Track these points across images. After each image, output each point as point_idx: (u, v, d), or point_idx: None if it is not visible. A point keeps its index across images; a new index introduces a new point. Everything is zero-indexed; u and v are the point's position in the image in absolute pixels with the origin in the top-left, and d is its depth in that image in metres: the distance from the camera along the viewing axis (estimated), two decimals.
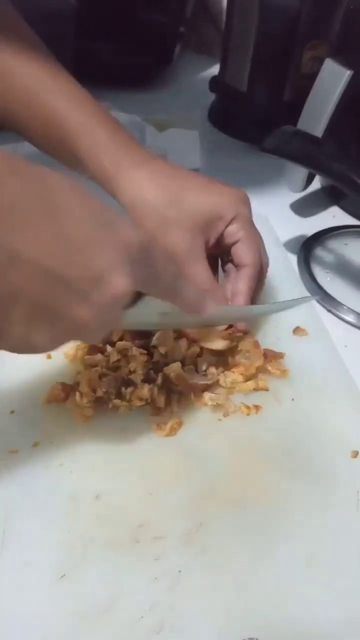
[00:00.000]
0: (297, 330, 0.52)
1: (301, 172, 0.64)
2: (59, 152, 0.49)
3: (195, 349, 0.46)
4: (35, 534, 0.36)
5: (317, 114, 0.59)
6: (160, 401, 0.43)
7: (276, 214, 0.69)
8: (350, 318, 0.56)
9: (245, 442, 0.43)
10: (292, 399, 0.46)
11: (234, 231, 0.46)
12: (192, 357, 0.46)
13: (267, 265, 0.49)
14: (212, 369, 0.46)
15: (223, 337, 0.47)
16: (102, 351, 0.45)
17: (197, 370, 0.46)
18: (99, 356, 0.44)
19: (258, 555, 0.36)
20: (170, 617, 0.33)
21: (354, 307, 0.57)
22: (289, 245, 0.66)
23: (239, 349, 0.47)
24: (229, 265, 0.48)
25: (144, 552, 0.36)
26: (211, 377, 0.46)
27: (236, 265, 0.47)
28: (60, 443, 0.41)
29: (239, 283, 0.46)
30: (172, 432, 0.43)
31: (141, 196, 0.45)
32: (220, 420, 0.44)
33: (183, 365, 0.45)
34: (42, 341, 0.29)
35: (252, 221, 0.47)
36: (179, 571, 0.35)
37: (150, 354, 0.45)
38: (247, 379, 0.46)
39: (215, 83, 0.88)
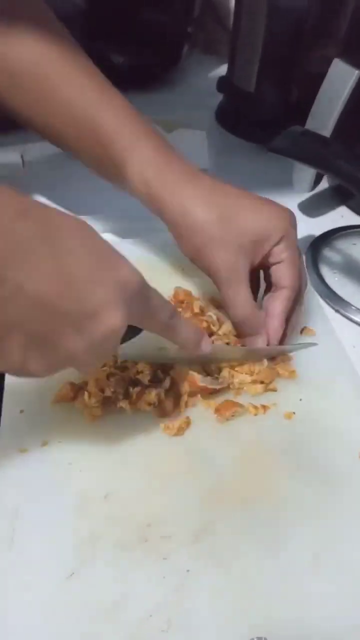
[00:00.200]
0: (305, 330, 0.52)
1: (309, 172, 0.64)
2: (102, 166, 0.49)
3: None
4: (44, 532, 0.36)
5: (326, 114, 0.59)
6: (169, 406, 0.43)
7: None
8: (358, 318, 0.56)
9: (253, 442, 0.43)
10: (300, 399, 0.46)
11: (278, 252, 0.45)
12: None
13: (305, 287, 0.49)
14: (225, 372, 0.46)
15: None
16: None
17: (207, 373, 0.46)
18: None
19: (265, 554, 0.36)
20: (178, 616, 0.33)
21: None
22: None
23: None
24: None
25: (152, 551, 0.36)
26: (222, 381, 0.46)
27: (274, 285, 0.47)
28: (69, 442, 0.41)
29: (276, 304, 0.46)
30: (180, 431, 0.43)
31: (188, 213, 0.44)
32: (228, 420, 0.44)
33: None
34: (38, 368, 0.31)
35: (296, 243, 0.47)
36: (187, 570, 0.35)
37: None
38: (255, 381, 0.46)
39: (223, 83, 0.88)
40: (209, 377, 0.45)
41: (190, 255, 0.46)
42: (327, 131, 0.58)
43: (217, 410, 0.44)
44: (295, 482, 0.40)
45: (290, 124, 0.55)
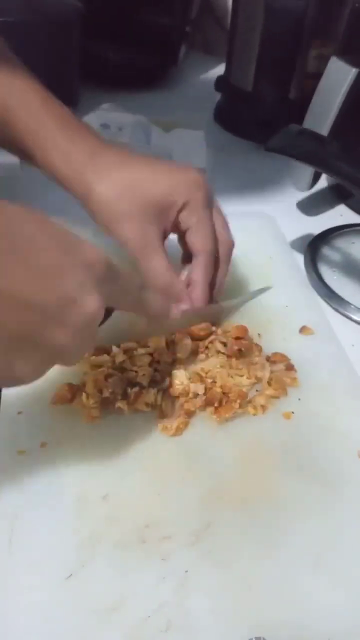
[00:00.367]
0: (303, 329, 0.52)
1: (307, 171, 0.64)
2: (13, 146, 0.48)
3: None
4: (43, 533, 0.36)
5: (323, 113, 0.58)
6: (167, 407, 0.43)
7: (283, 213, 0.69)
8: (357, 317, 0.56)
9: (252, 442, 0.43)
10: (299, 399, 0.46)
11: (185, 218, 0.45)
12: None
13: (229, 247, 0.48)
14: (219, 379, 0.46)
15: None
16: (108, 352, 0.45)
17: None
18: (105, 357, 0.45)
19: (265, 555, 0.36)
20: (177, 616, 0.33)
21: None
22: (296, 244, 0.66)
23: (253, 362, 0.47)
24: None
25: (151, 552, 0.36)
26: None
27: (191, 252, 0.46)
28: (67, 443, 0.41)
29: (193, 273, 0.46)
30: (179, 432, 0.43)
31: (93, 191, 0.44)
32: (227, 420, 0.44)
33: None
34: (25, 372, 0.29)
35: (206, 205, 0.46)
36: (186, 571, 0.35)
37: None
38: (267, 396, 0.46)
39: (220, 83, 0.89)
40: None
41: (104, 230, 0.46)
42: (324, 130, 0.58)
43: (216, 411, 0.44)
44: (295, 482, 0.40)
45: (288, 122, 0.55)
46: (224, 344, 0.47)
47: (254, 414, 0.44)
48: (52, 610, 0.33)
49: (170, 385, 0.44)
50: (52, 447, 0.41)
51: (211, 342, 0.47)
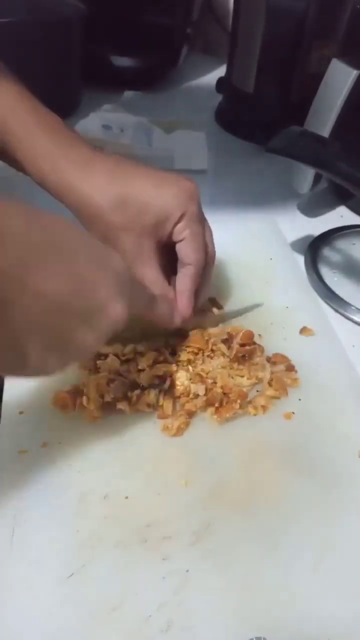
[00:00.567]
0: (304, 330, 0.52)
1: (308, 172, 0.64)
2: (4, 156, 0.47)
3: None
4: (44, 533, 0.36)
5: (324, 114, 0.59)
6: (168, 407, 0.43)
7: (283, 214, 0.70)
8: (357, 318, 0.56)
9: (253, 442, 0.43)
10: (300, 399, 0.46)
11: (179, 230, 0.45)
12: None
13: (212, 258, 0.48)
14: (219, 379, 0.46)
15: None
16: (106, 356, 0.45)
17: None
18: (108, 361, 0.45)
19: (266, 555, 0.36)
20: (178, 616, 0.33)
21: None
22: (296, 245, 0.66)
23: (254, 362, 0.47)
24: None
25: (152, 551, 0.36)
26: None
27: (181, 262, 0.46)
28: (68, 443, 0.41)
29: (182, 282, 0.46)
30: (180, 432, 0.43)
31: (87, 202, 0.44)
32: (227, 420, 0.44)
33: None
34: (55, 366, 0.32)
35: (199, 217, 0.46)
36: (187, 571, 0.35)
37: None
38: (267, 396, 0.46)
39: (222, 84, 0.89)
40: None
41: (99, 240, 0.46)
42: (325, 131, 0.58)
43: (217, 411, 0.44)
44: (295, 482, 0.40)
45: (289, 124, 0.55)
46: (228, 346, 0.47)
47: (255, 415, 0.44)
48: (53, 609, 0.33)
49: (172, 385, 0.44)
50: (53, 446, 0.41)
51: (215, 344, 0.47)
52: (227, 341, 0.48)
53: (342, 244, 0.66)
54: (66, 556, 0.35)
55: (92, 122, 0.76)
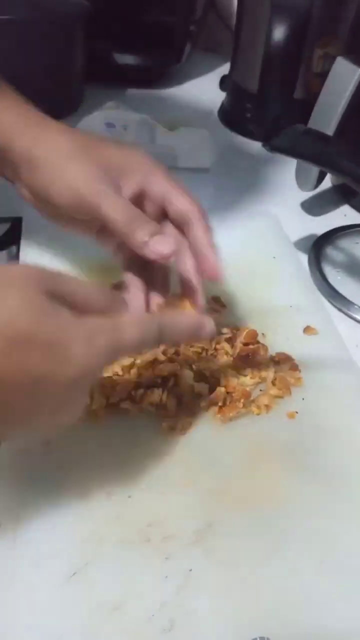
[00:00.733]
0: (307, 329, 0.52)
1: (312, 171, 0.64)
2: None
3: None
4: (46, 532, 0.36)
5: (329, 113, 0.58)
6: (171, 407, 0.43)
7: (287, 213, 0.69)
8: None
9: (256, 442, 0.43)
10: (303, 399, 0.46)
11: (156, 189, 0.41)
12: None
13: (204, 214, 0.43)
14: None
15: None
16: None
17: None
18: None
19: (268, 554, 0.36)
20: (181, 616, 0.33)
21: None
22: (300, 244, 0.66)
23: (257, 361, 0.47)
24: None
25: (155, 551, 0.36)
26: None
27: (182, 224, 0.42)
28: (71, 442, 0.41)
29: (198, 234, 0.41)
30: (183, 431, 0.43)
31: (44, 141, 0.41)
32: (231, 419, 0.44)
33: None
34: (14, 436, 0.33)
35: (170, 176, 0.42)
36: (190, 570, 0.35)
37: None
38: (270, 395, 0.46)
39: (225, 82, 0.88)
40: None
41: (42, 192, 0.41)
42: (330, 130, 0.58)
43: (220, 410, 0.44)
44: (299, 482, 0.40)
45: (293, 122, 0.55)
46: (231, 345, 0.47)
47: (258, 414, 0.44)
48: (54, 609, 0.33)
49: (175, 385, 0.44)
50: (55, 445, 0.41)
51: (218, 343, 0.47)
52: (231, 340, 0.48)
53: (346, 243, 0.66)
54: (68, 555, 0.35)
55: (95, 120, 0.76)
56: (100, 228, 0.43)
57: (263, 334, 0.50)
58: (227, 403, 0.44)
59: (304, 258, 0.64)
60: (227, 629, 0.33)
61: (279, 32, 0.75)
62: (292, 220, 0.68)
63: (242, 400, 0.44)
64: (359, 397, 0.47)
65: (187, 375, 0.44)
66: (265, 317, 0.53)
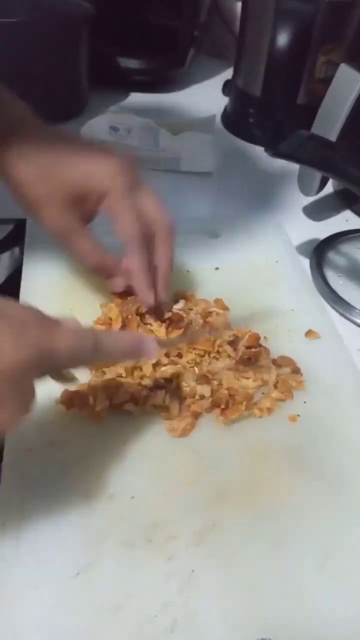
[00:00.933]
0: (309, 333, 0.52)
1: (314, 176, 0.65)
2: None
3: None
4: (50, 532, 0.36)
5: (332, 119, 0.59)
6: (174, 409, 0.44)
7: (289, 218, 0.70)
8: None
9: (258, 444, 0.43)
10: (305, 402, 0.46)
11: (107, 209, 0.45)
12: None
13: (165, 227, 0.46)
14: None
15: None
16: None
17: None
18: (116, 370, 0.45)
19: (271, 555, 0.37)
20: (183, 616, 0.33)
21: None
22: (302, 248, 0.66)
23: (259, 364, 0.48)
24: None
25: (157, 551, 0.36)
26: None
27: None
28: (75, 443, 0.41)
29: (129, 261, 0.45)
30: (185, 433, 0.43)
31: (13, 174, 0.43)
32: (233, 422, 0.44)
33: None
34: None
35: (126, 193, 0.44)
36: (192, 571, 0.35)
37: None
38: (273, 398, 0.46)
39: (228, 87, 0.89)
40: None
41: (26, 213, 0.46)
42: (333, 135, 0.59)
43: (222, 412, 0.44)
44: (300, 484, 0.41)
45: (296, 128, 0.55)
46: (234, 348, 0.47)
47: (260, 416, 0.45)
48: (58, 609, 0.33)
49: (178, 387, 0.45)
50: (60, 446, 0.41)
51: (221, 345, 0.47)
52: (233, 343, 0.48)
53: (348, 247, 0.67)
54: (72, 555, 0.35)
55: (99, 124, 0.77)
56: None
57: (265, 337, 0.50)
58: (230, 405, 0.44)
59: (306, 262, 0.64)
60: (229, 629, 0.33)
61: (282, 38, 0.75)
62: (294, 224, 0.69)
63: (244, 403, 0.44)
64: None
65: (189, 377, 0.45)
66: (267, 321, 0.53)
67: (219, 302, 0.53)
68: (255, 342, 0.48)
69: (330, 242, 0.67)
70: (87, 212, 0.45)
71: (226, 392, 0.45)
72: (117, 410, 0.43)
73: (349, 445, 0.44)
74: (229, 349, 0.47)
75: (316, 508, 0.39)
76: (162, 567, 0.35)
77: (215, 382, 0.45)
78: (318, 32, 0.72)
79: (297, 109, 0.79)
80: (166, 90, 1.01)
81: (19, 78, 0.76)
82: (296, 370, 0.48)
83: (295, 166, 0.64)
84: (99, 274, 0.48)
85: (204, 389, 0.45)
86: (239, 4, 0.86)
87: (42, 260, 0.55)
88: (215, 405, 0.44)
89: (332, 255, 0.65)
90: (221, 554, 0.36)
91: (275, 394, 0.46)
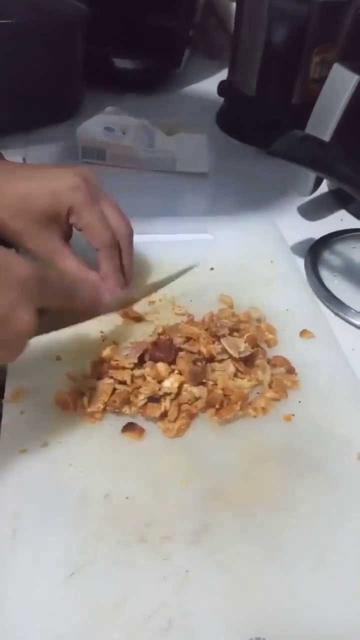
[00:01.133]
0: (304, 332, 0.53)
1: (309, 176, 0.65)
2: None
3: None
4: (45, 532, 0.36)
5: (325, 119, 0.59)
6: (173, 415, 0.43)
7: (284, 218, 0.70)
8: (357, 321, 0.56)
9: (252, 444, 0.43)
10: (299, 402, 0.46)
11: (75, 222, 0.47)
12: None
13: (125, 235, 0.50)
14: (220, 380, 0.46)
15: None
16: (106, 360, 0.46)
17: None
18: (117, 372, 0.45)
19: (265, 555, 0.37)
20: (178, 616, 0.33)
21: None
22: (297, 248, 0.66)
23: (254, 364, 0.48)
24: None
25: (152, 551, 0.36)
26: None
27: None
28: (69, 443, 0.41)
29: (101, 267, 0.49)
30: (180, 433, 0.43)
31: None
32: (228, 422, 0.44)
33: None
34: None
35: (89, 205, 0.47)
36: (187, 571, 0.35)
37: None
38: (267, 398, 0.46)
39: (223, 87, 0.89)
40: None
41: (10, 242, 0.48)
42: (326, 135, 0.59)
43: (217, 412, 0.44)
44: (295, 484, 0.41)
45: (290, 128, 0.56)
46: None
47: (255, 416, 0.45)
48: (53, 609, 0.33)
49: (178, 393, 0.44)
50: (53, 446, 0.41)
51: (220, 353, 0.47)
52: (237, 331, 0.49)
53: (342, 247, 0.67)
54: (67, 556, 0.35)
55: (94, 124, 0.77)
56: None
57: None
58: (224, 405, 0.44)
59: (300, 262, 0.64)
60: (224, 629, 0.33)
61: (277, 38, 0.75)
62: (289, 224, 0.69)
63: (239, 403, 0.44)
64: (355, 401, 0.47)
65: (187, 387, 0.45)
66: (262, 320, 0.53)
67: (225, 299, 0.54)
68: (254, 343, 0.48)
69: (325, 241, 0.67)
70: (65, 228, 0.48)
71: (221, 392, 0.45)
72: (110, 410, 0.43)
73: (343, 445, 0.44)
74: (229, 346, 0.47)
75: (310, 508, 0.39)
76: (157, 568, 0.35)
77: (210, 383, 0.45)
78: (312, 33, 0.72)
79: (292, 109, 0.79)
80: (162, 90, 1.01)
81: (13, 79, 0.77)
82: (291, 370, 0.48)
83: (290, 166, 0.64)
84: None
85: (200, 391, 0.45)
86: (234, 4, 0.86)
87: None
88: (210, 405, 0.44)
89: (326, 255, 0.65)
90: (216, 554, 0.36)
91: (269, 393, 0.46)
